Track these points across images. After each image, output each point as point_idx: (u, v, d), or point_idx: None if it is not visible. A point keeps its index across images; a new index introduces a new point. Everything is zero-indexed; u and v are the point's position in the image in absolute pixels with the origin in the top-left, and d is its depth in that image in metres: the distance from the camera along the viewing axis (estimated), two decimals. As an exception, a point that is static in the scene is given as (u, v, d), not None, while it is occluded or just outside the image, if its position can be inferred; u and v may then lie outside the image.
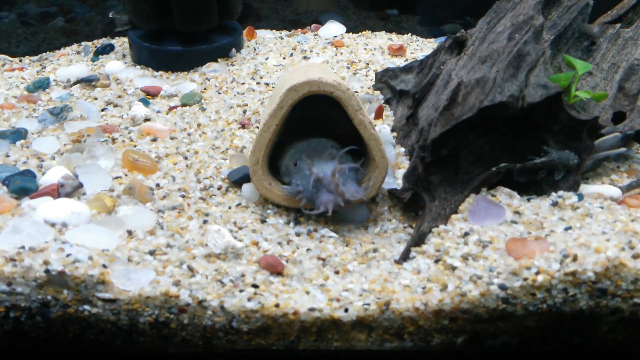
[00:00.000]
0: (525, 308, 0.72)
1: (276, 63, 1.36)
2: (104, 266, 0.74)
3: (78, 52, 1.47)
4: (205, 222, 0.84)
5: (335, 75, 0.89)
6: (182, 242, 0.80)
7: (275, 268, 0.76)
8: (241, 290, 0.73)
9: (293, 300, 0.72)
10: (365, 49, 1.42)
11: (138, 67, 1.36)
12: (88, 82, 1.12)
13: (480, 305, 0.72)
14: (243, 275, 0.75)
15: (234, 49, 1.39)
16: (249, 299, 0.72)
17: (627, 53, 1.02)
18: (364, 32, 1.54)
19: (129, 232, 0.81)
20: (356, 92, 1.22)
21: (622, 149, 0.92)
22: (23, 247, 0.76)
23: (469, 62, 0.95)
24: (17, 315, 0.74)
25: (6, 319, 0.74)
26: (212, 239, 0.79)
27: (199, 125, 1.10)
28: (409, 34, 1.53)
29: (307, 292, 0.73)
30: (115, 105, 1.18)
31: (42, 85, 1.27)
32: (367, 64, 1.34)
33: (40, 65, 1.40)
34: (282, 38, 1.52)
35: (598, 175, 0.91)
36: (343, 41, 1.46)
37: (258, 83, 1.27)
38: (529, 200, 0.84)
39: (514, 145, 0.86)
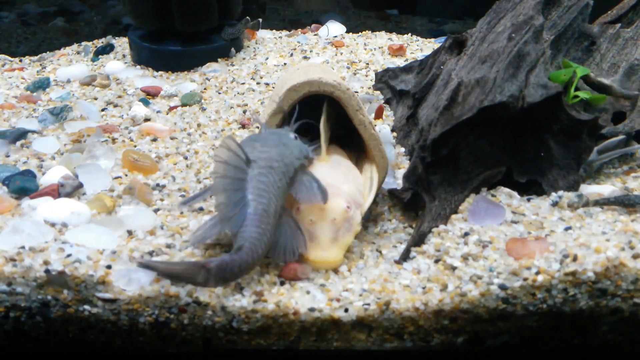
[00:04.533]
0: (525, 308, 0.72)
1: (276, 63, 1.36)
2: (108, 267, 0.74)
3: (78, 52, 1.47)
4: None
5: (336, 75, 0.89)
6: (182, 242, 0.80)
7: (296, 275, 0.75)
8: (242, 288, 0.73)
9: (293, 300, 0.72)
10: (365, 49, 1.42)
11: (138, 67, 1.36)
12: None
13: (480, 305, 0.72)
14: (249, 277, 0.75)
15: (233, 49, 1.39)
16: (249, 299, 0.72)
17: (627, 53, 1.02)
18: (364, 32, 1.54)
19: (129, 232, 0.81)
20: (356, 92, 1.22)
21: (629, 149, 0.92)
22: (23, 247, 0.76)
23: (469, 62, 0.95)
24: (17, 315, 0.74)
25: (6, 318, 0.74)
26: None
27: (199, 125, 1.10)
28: (409, 34, 1.53)
29: (308, 292, 0.73)
30: (116, 105, 1.19)
31: (42, 85, 1.27)
32: (367, 64, 1.34)
33: (41, 65, 1.40)
34: (281, 38, 1.52)
35: (598, 175, 0.91)
36: (343, 41, 1.46)
37: (258, 83, 1.27)
38: (529, 200, 0.84)
39: (514, 145, 0.86)
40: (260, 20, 1.44)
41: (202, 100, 1.20)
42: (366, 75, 1.29)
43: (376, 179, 0.84)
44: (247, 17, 1.39)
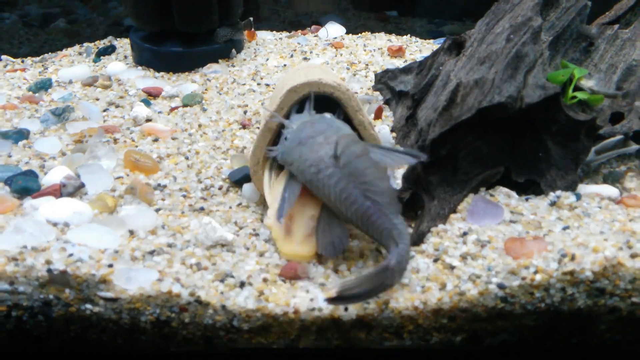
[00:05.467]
0: (523, 307, 0.72)
1: (276, 64, 1.36)
2: (110, 266, 0.74)
3: (80, 53, 1.47)
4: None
5: (335, 76, 0.89)
6: (183, 242, 0.80)
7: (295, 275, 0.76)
8: (242, 284, 0.74)
9: (294, 299, 0.72)
10: (364, 50, 1.43)
11: (139, 68, 1.37)
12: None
13: (479, 304, 0.72)
14: (250, 277, 0.75)
15: (234, 50, 1.40)
16: (249, 297, 0.72)
17: (625, 54, 1.02)
18: (363, 34, 1.55)
19: (131, 232, 0.82)
20: (356, 92, 1.22)
21: (626, 149, 0.92)
22: (25, 247, 0.76)
23: (467, 63, 0.95)
24: (19, 315, 0.74)
25: (8, 318, 0.74)
26: (203, 232, 0.80)
27: (200, 125, 1.11)
28: (408, 35, 1.54)
29: (307, 291, 0.74)
30: (117, 106, 1.19)
31: (44, 86, 1.27)
32: (367, 65, 1.35)
33: (43, 66, 1.41)
34: (282, 39, 1.53)
35: (596, 175, 0.92)
36: (343, 42, 1.47)
37: (258, 84, 1.27)
38: (527, 200, 0.85)
39: (513, 145, 0.86)
40: (252, 19, 1.44)
41: (203, 101, 1.20)
42: (366, 76, 1.29)
43: None
44: (238, 19, 1.40)
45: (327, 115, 0.83)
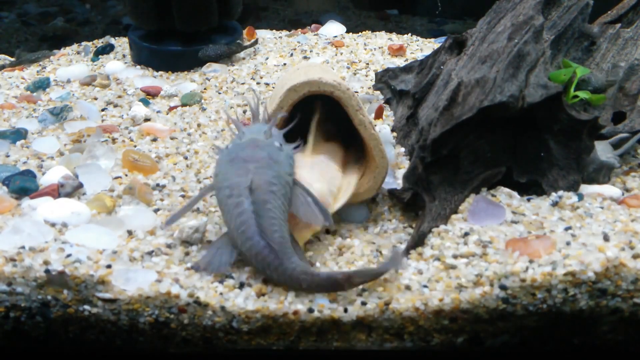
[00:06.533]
0: (525, 308, 0.72)
1: (276, 63, 1.36)
2: (108, 267, 0.74)
3: (78, 52, 1.47)
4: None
5: (336, 76, 0.89)
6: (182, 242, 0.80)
7: None
8: (242, 285, 0.73)
9: (293, 300, 0.72)
10: (365, 49, 1.42)
11: (138, 67, 1.36)
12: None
13: (480, 305, 0.72)
14: (249, 277, 0.75)
15: (234, 49, 1.39)
16: (249, 298, 0.72)
17: (627, 53, 1.02)
18: (364, 32, 1.54)
19: (129, 232, 0.81)
20: (356, 92, 1.22)
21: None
22: (23, 247, 0.76)
23: (469, 62, 0.95)
24: (17, 315, 0.74)
25: (6, 319, 0.74)
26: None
27: (199, 125, 1.10)
28: (409, 34, 1.53)
29: (307, 292, 0.73)
30: (116, 105, 1.19)
31: (42, 85, 1.27)
32: (367, 64, 1.34)
33: (40, 65, 1.40)
34: (281, 38, 1.52)
35: (597, 175, 0.91)
36: (343, 41, 1.46)
37: (258, 83, 1.27)
38: (529, 200, 0.84)
39: (514, 145, 0.86)
40: (257, 39, 1.43)
41: (202, 100, 1.20)
42: (366, 75, 1.29)
43: (353, 184, 0.84)
44: (239, 41, 1.38)
45: (277, 143, 0.78)
